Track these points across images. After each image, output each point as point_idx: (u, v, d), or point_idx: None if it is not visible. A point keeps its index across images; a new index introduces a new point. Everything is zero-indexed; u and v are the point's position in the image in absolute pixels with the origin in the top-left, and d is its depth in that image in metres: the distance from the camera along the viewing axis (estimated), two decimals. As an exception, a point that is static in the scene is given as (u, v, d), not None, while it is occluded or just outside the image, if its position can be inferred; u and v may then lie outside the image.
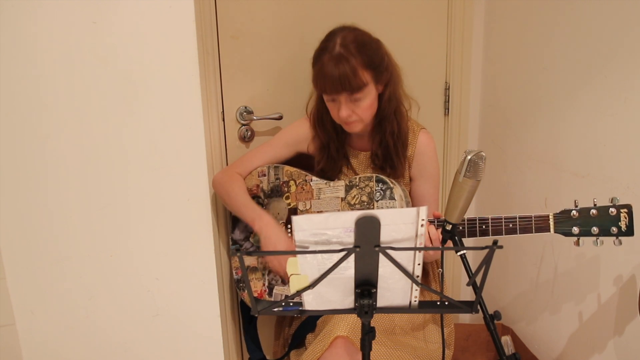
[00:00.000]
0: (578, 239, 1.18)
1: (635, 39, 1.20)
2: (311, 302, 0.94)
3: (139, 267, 1.44)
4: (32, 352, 1.43)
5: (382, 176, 1.38)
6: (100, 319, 1.45)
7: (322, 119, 1.46)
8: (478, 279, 0.90)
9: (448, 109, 1.90)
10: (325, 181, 1.44)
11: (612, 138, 1.30)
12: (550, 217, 1.19)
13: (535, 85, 1.59)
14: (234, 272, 1.63)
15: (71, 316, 1.43)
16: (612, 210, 1.14)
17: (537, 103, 1.59)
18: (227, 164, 1.67)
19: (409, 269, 0.89)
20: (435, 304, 0.97)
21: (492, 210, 1.91)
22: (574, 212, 1.17)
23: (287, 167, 1.49)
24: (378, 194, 1.37)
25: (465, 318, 1.98)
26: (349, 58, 1.28)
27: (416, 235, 0.87)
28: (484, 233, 1.24)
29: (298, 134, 1.52)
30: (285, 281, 1.47)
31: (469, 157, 1.07)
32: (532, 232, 1.20)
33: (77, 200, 1.37)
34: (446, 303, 0.94)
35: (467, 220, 1.23)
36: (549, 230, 1.19)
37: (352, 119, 1.35)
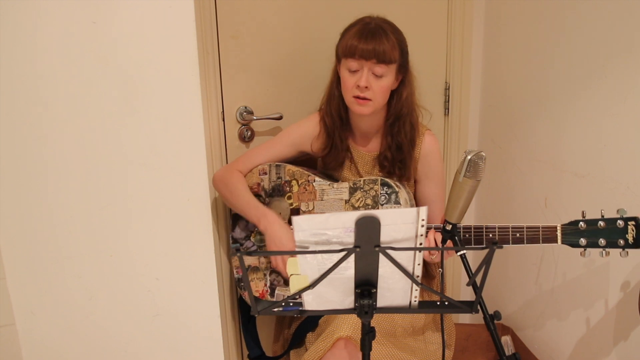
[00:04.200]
0: (584, 249, 1.17)
1: (636, 40, 1.20)
2: (311, 302, 0.94)
3: (139, 267, 1.44)
4: (32, 352, 1.43)
5: (387, 179, 1.38)
6: (100, 319, 1.45)
7: (330, 104, 1.45)
8: (478, 279, 0.90)
9: (448, 109, 1.90)
10: (328, 182, 1.44)
11: (613, 138, 1.30)
12: (558, 228, 1.18)
13: (536, 85, 1.59)
14: (234, 271, 1.63)
15: (71, 316, 1.43)
16: (620, 223, 1.12)
17: (538, 103, 1.59)
18: (226, 164, 1.67)
19: (409, 269, 0.89)
20: (435, 304, 0.97)
21: (493, 210, 1.91)
22: (581, 223, 1.16)
23: (289, 166, 1.49)
24: (383, 197, 1.37)
25: (465, 318, 1.98)
26: (387, 32, 1.32)
27: (416, 235, 0.87)
28: (490, 242, 1.23)
29: (302, 131, 1.52)
30: (287, 282, 1.47)
31: (469, 157, 1.07)
32: (539, 243, 1.19)
33: (77, 200, 1.37)
34: (446, 303, 0.94)
35: (474, 228, 1.22)
36: (556, 241, 1.18)
37: (368, 94, 1.34)
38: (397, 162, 1.43)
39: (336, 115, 1.45)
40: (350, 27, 1.37)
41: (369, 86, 1.32)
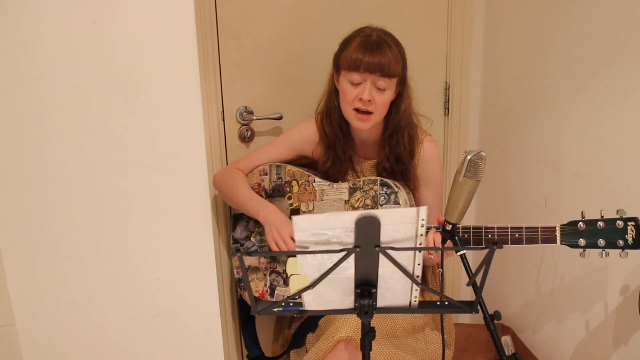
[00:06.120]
0: (584, 250, 1.16)
1: (636, 39, 1.20)
2: (311, 302, 0.94)
3: (139, 267, 1.44)
4: (32, 352, 1.43)
5: (386, 180, 1.37)
6: (100, 319, 1.45)
7: (330, 116, 1.44)
8: (478, 279, 0.90)
9: (448, 109, 1.90)
10: (328, 182, 1.44)
11: (613, 138, 1.30)
12: (557, 228, 1.18)
13: (536, 85, 1.59)
14: (235, 271, 1.63)
15: (71, 316, 1.43)
16: (619, 223, 1.12)
17: (538, 103, 1.59)
18: (227, 164, 1.67)
19: (409, 269, 0.89)
20: (435, 304, 0.97)
21: (493, 210, 1.91)
22: (580, 223, 1.16)
23: (289, 167, 1.49)
24: (382, 197, 1.37)
25: (465, 318, 1.98)
26: (390, 44, 1.31)
27: (416, 235, 0.87)
28: (489, 242, 1.23)
29: (303, 137, 1.51)
30: (287, 282, 1.47)
31: (469, 157, 1.07)
32: (538, 243, 1.19)
33: (77, 200, 1.37)
34: (446, 303, 0.94)
35: (473, 228, 1.22)
36: (555, 242, 1.18)
37: (370, 107, 1.33)
38: (398, 174, 1.42)
39: (337, 127, 1.44)
40: (351, 38, 1.35)
41: (371, 99, 1.31)
